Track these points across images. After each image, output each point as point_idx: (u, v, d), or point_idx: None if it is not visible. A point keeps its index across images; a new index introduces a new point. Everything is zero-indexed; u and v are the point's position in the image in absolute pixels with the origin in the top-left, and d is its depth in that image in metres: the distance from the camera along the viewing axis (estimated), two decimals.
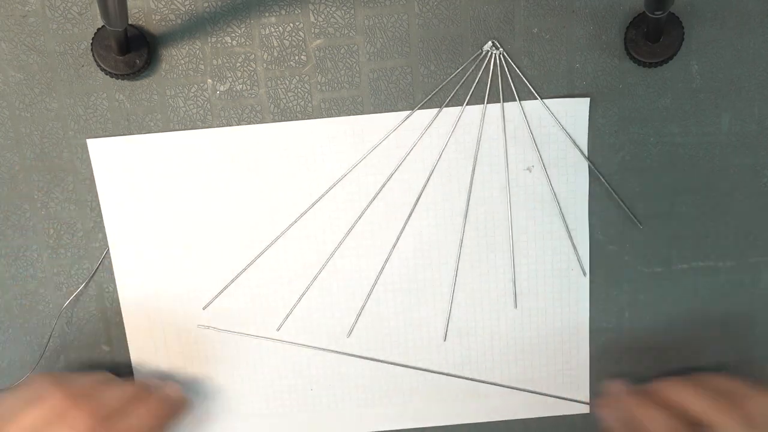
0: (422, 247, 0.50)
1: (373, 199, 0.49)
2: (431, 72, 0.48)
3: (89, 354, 0.52)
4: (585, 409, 0.53)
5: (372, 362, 0.52)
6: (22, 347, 0.52)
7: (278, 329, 0.51)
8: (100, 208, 0.49)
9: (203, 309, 0.51)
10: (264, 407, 0.53)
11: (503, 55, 0.46)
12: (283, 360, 0.52)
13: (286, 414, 0.53)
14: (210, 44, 0.47)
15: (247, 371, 0.52)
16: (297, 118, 0.48)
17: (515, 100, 0.48)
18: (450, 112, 0.48)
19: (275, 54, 0.48)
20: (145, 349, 0.52)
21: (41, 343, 0.52)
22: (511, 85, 0.48)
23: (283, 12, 0.47)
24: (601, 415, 0.49)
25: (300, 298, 0.51)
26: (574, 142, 0.48)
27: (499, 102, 0.48)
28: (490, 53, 0.46)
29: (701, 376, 0.48)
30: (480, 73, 0.47)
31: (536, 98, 0.48)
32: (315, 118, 0.48)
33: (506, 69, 0.47)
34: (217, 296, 0.51)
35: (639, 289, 0.51)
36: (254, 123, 0.48)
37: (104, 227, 0.50)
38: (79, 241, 0.50)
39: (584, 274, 0.51)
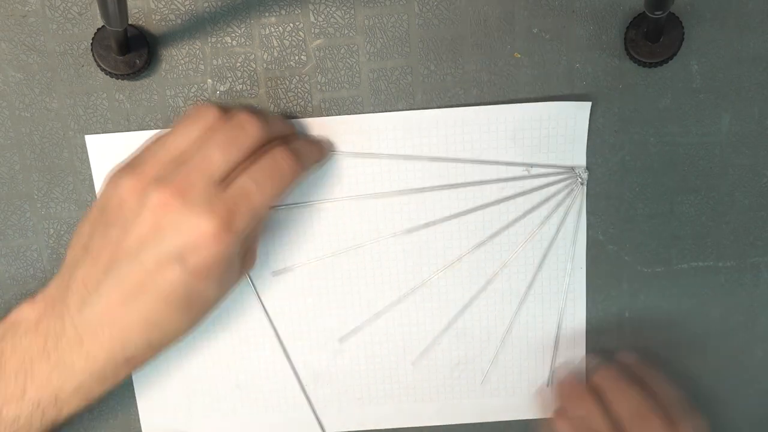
0: (421, 246, 0.50)
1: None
2: (431, 72, 0.48)
3: None
4: None
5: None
6: None
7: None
8: None
9: None
10: (262, 404, 0.52)
11: None
12: (280, 356, 0.52)
13: (283, 411, 0.53)
14: (210, 44, 0.47)
15: (246, 367, 0.52)
16: (297, 118, 0.48)
17: (517, 102, 0.48)
18: (450, 112, 0.48)
19: (275, 54, 0.48)
20: None
21: None
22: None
23: (283, 12, 0.47)
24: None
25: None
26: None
27: (501, 102, 0.48)
28: None
29: (653, 382, 0.48)
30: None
31: (536, 100, 0.48)
32: (315, 117, 0.48)
33: None
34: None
35: (639, 289, 0.51)
36: None
37: None
38: None
39: (583, 274, 0.51)
